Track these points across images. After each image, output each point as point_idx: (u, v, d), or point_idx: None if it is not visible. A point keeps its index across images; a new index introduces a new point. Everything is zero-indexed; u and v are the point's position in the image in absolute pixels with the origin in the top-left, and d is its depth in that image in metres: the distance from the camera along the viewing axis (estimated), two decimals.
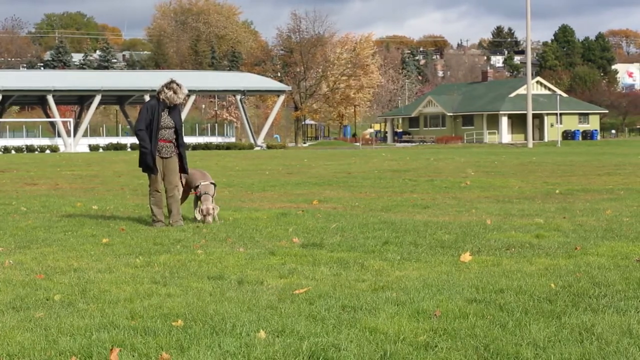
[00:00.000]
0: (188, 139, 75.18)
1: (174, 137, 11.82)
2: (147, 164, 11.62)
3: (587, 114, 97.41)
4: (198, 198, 12.00)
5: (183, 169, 11.93)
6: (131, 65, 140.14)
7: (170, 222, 11.58)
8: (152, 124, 11.53)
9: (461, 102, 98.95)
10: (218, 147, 73.00)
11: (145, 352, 4.87)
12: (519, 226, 10.77)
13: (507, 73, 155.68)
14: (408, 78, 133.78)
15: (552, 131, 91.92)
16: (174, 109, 11.77)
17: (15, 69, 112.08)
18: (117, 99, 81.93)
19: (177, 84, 11.69)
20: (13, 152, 66.44)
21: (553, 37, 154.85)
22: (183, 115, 79.27)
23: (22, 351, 4.92)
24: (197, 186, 11.98)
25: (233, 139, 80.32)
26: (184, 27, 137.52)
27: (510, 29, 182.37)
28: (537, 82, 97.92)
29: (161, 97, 11.60)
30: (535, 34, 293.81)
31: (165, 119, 11.70)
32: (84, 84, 74.45)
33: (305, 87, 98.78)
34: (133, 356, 4.83)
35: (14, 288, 6.95)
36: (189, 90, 77.81)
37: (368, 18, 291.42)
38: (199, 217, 11.65)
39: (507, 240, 9.34)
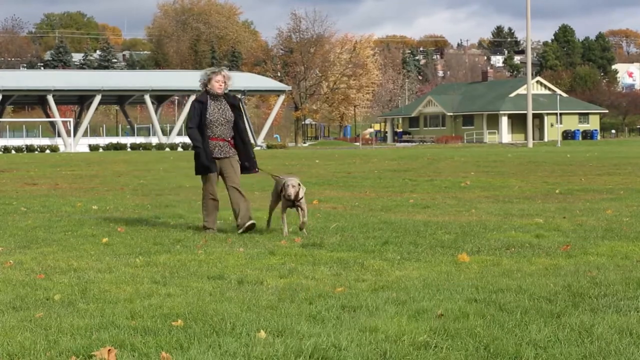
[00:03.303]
0: (188, 139, 75.12)
1: (231, 134, 10.62)
2: (202, 164, 10.44)
3: (587, 114, 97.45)
4: (290, 204, 10.27)
5: (245, 167, 10.73)
6: (131, 65, 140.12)
7: (238, 223, 10.42)
8: (201, 120, 10.42)
9: (461, 102, 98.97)
10: None
11: (145, 352, 4.87)
12: (519, 226, 10.77)
13: (507, 73, 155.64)
14: (408, 78, 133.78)
15: (552, 131, 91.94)
16: (225, 102, 10.58)
17: (15, 69, 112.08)
18: (117, 99, 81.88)
19: (220, 70, 10.62)
20: (13, 152, 66.41)
21: (553, 37, 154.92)
22: (183, 115, 79.48)
23: (22, 351, 4.92)
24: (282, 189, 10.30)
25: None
26: (184, 27, 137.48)
27: (510, 29, 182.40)
28: (537, 82, 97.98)
29: (208, 87, 10.52)
30: (536, 34, 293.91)
31: (215, 113, 10.52)
32: (84, 84, 74.41)
33: (305, 87, 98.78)
34: (133, 356, 4.82)
35: (14, 288, 6.95)
36: (189, 90, 78.16)
37: (379, 18, 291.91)
38: (285, 230, 10.21)
39: (507, 240, 9.34)
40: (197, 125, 10.42)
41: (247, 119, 79.38)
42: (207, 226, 10.63)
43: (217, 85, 10.47)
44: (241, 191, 10.62)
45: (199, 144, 10.38)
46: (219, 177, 10.73)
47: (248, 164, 10.77)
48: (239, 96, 78.31)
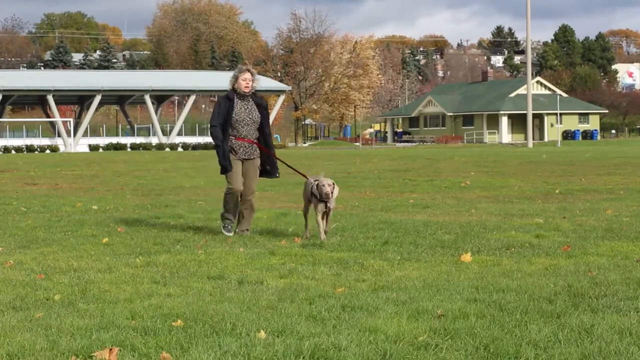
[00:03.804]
0: (188, 139, 75.32)
1: (257, 135, 10.35)
2: (220, 162, 10.21)
3: (587, 114, 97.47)
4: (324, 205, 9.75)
5: (266, 171, 10.50)
6: (131, 65, 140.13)
7: (237, 229, 10.34)
8: (225, 118, 10.14)
9: (461, 102, 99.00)
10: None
11: (145, 352, 4.87)
12: (519, 226, 10.76)
13: (507, 73, 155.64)
14: (408, 78, 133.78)
15: (552, 131, 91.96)
16: (253, 102, 10.32)
17: (15, 69, 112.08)
18: (117, 99, 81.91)
19: (247, 69, 10.28)
20: (13, 152, 66.43)
21: (553, 37, 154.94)
22: (183, 115, 79.56)
23: (22, 351, 4.92)
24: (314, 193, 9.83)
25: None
26: (184, 27, 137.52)
27: (510, 29, 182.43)
28: (537, 82, 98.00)
29: (235, 86, 10.23)
30: (536, 34, 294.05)
31: (242, 112, 10.25)
32: (84, 84, 74.45)
33: (305, 87, 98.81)
34: (133, 356, 4.82)
35: (14, 288, 6.95)
36: (189, 90, 78.03)
37: (380, 18, 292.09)
38: (323, 236, 9.65)
39: (507, 240, 9.34)
40: (221, 123, 10.15)
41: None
42: (225, 225, 10.34)
43: (243, 84, 10.19)
44: (253, 201, 10.41)
45: (219, 142, 10.13)
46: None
47: (269, 168, 10.54)
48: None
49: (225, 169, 10.15)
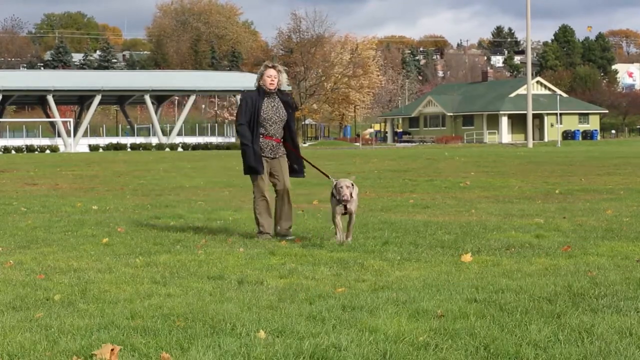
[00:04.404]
0: (188, 139, 75.33)
1: (282, 134, 9.98)
2: (249, 164, 9.80)
3: (587, 114, 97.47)
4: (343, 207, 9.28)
5: (293, 170, 10.06)
6: (131, 65, 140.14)
7: (278, 230, 9.88)
8: (252, 116, 9.76)
9: (461, 102, 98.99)
10: (218, 147, 72.96)
11: (145, 352, 4.87)
12: (519, 226, 10.76)
13: (507, 73, 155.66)
14: (408, 78, 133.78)
15: (552, 131, 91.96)
16: (279, 99, 9.96)
17: (15, 69, 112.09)
18: (117, 99, 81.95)
19: (271, 65, 9.91)
20: (13, 152, 66.42)
21: (553, 37, 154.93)
22: (183, 115, 79.55)
23: (22, 351, 4.92)
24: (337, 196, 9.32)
25: (233, 139, 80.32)
26: (184, 27, 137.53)
27: (510, 29, 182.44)
28: (537, 82, 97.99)
29: (260, 83, 9.87)
30: (536, 34, 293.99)
31: (269, 110, 9.89)
32: (84, 84, 74.46)
33: (306, 87, 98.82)
34: (133, 356, 4.82)
35: (14, 288, 6.94)
36: (189, 90, 78.01)
37: (382, 18, 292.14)
38: (339, 236, 9.29)
39: (507, 240, 9.34)
40: (248, 121, 9.78)
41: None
42: (262, 230, 9.92)
43: (268, 81, 9.82)
44: (289, 195, 10.02)
45: (248, 142, 9.73)
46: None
47: (297, 167, 10.12)
48: (238, 97, 78.48)
49: (256, 171, 9.79)
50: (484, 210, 13.17)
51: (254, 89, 9.97)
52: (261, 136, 9.86)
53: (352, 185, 9.31)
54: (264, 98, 9.83)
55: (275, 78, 9.84)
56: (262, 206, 9.89)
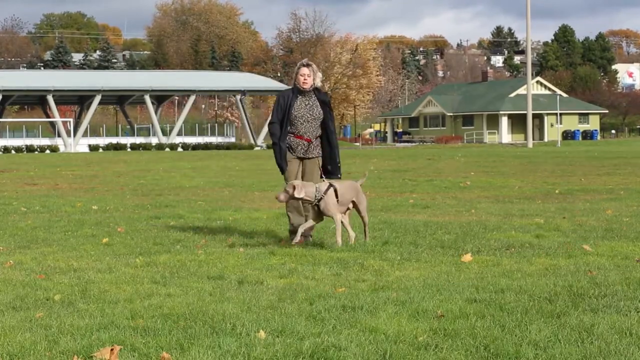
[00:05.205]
0: (188, 139, 75.31)
1: (318, 133, 9.75)
2: (276, 161, 9.71)
3: (587, 114, 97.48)
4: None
5: (327, 171, 9.76)
6: (131, 65, 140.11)
7: (304, 230, 9.43)
8: (285, 115, 9.63)
9: (461, 102, 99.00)
10: (218, 147, 72.98)
11: (145, 352, 4.87)
12: (519, 226, 10.76)
13: (507, 73, 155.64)
14: (408, 78, 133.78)
15: (552, 131, 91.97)
16: (315, 98, 9.75)
17: (15, 69, 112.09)
18: (117, 99, 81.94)
19: (305, 64, 9.75)
20: (13, 152, 66.43)
21: (553, 37, 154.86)
22: (183, 115, 79.52)
23: (22, 351, 4.92)
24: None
25: (233, 139, 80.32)
26: (184, 27, 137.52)
27: (510, 29, 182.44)
28: (537, 82, 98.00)
29: (295, 82, 9.73)
30: (536, 34, 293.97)
31: (301, 108, 9.71)
32: (84, 84, 74.45)
33: None
34: (133, 356, 4.82)
35: (14, 288, 6.95)
36: (189, 90, 77.98)
37: (384, 18, 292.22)
38: (339, 241, 9.12)
39: (507, 240, 9.34)
40: (280, 120, 9.63)
41: (247, 119, 79.59)
42: (293, 229, 9.62)
43: (301, 80, 9.66)
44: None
45: (276, 139, 9.61)
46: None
47: (331, 168, 9.80)
48: (238, 97, 78.49)
49: (282, 168, 9.67)
50: (484, 210, 13.17)
51: (290, 87, 9.92)
52: (292, 135, 9.71)
53: (301, 186, 8.96)
54: (298, 96, 9.70)
55: (309, 77, 9.67)
56: (293, 204, 9.62)
